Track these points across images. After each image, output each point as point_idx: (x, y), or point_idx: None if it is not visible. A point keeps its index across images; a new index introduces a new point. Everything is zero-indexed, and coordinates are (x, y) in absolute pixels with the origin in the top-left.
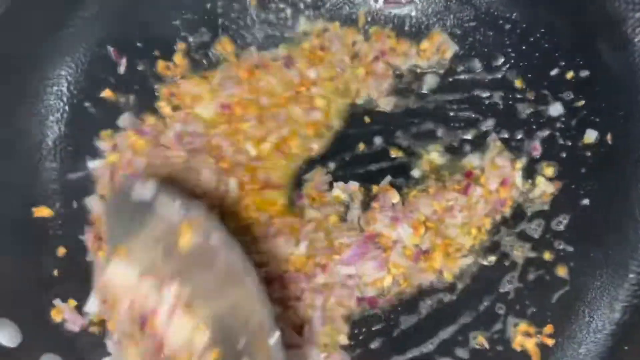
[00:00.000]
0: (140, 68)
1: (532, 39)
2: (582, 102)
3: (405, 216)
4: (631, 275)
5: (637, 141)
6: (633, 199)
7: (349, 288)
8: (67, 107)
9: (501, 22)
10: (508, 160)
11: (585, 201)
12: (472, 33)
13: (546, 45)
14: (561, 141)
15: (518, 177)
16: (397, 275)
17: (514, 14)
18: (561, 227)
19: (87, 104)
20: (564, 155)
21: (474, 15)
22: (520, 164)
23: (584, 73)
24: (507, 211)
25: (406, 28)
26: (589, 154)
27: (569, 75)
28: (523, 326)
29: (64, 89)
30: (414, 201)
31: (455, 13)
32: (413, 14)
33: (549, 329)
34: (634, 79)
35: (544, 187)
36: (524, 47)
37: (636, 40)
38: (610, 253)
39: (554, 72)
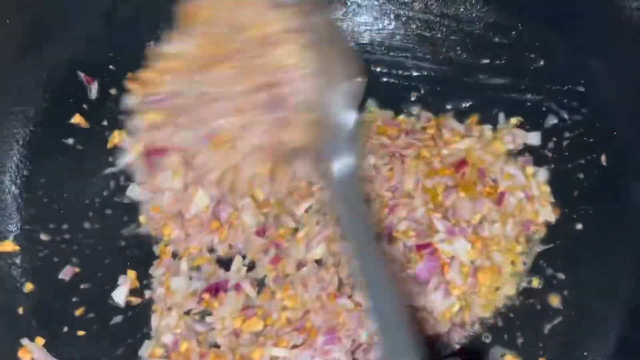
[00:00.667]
0: (112, 92)
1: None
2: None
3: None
4: (630, 308)
5: (632, 162)
6: (628, 223)
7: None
8: (33, 135)
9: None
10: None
11: (579, 226)
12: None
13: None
14: (552, 164)
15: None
16: (459, 295)
17: (501, 38)
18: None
19: (56, 131)
20: (555, 177)
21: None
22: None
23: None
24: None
25: None
26: (581, 175)
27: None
28: (509, 358)
29: (31, 116)
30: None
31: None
32: None
33: None
34: (627, 98)
35: (546, 217)
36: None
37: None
38: (606, 282)
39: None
